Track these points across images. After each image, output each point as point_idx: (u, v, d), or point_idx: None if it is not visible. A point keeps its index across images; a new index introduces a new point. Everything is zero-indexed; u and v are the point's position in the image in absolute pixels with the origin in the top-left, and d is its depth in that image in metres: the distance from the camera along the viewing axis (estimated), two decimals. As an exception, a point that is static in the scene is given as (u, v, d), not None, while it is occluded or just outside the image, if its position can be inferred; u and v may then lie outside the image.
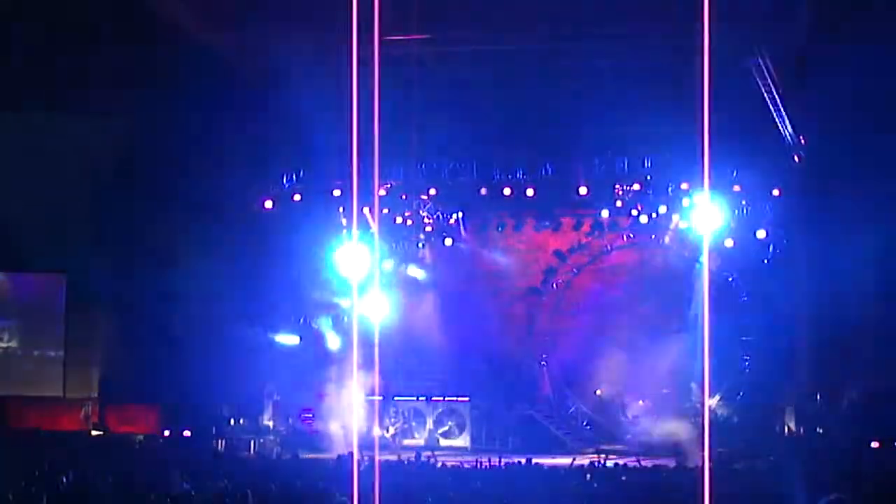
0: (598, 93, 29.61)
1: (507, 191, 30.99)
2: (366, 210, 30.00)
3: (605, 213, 33.21)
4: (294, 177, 32.08)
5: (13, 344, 31.28)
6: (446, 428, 33.84)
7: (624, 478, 17.47)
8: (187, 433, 29.27)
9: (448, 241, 35.63)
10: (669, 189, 30.69)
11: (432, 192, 31.38)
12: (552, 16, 25.05)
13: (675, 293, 33.90)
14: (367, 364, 35.11)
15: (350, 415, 33.56)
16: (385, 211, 33.68)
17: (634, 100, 28.65)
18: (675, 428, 32.00)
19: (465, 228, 35.45)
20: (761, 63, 21.67)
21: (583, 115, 29.24)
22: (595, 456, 26.93)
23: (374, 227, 32.72)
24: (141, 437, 28.97)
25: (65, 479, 15.08)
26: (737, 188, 30.28)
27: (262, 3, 25.43)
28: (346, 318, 35.03)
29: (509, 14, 24.79)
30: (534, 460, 23.64)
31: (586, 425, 33.86)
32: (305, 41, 26.37)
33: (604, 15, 25.17)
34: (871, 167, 27.49)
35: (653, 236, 34.09)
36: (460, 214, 34.83)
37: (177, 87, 27.27)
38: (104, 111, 29.85)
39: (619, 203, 32.18)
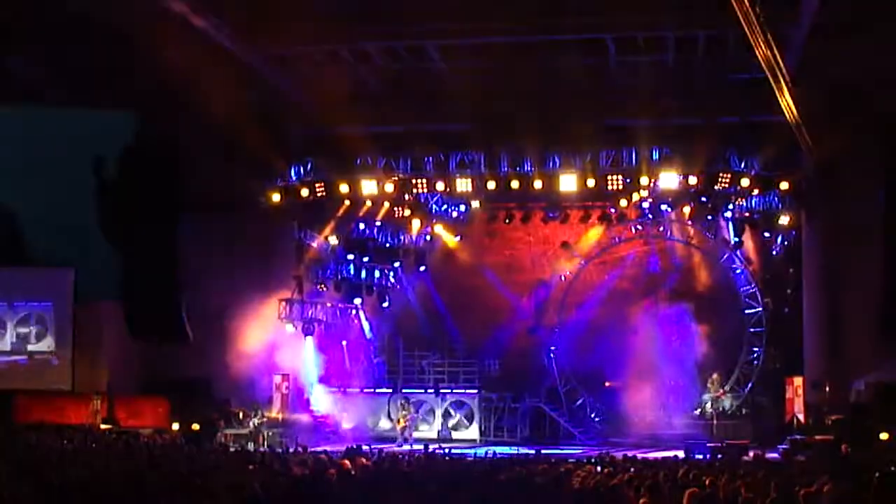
0: (606, 84, 29.61)
1: (514, 183, 30.87)
2: None
3: (612, 205, 33.26)
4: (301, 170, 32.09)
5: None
6: (455, 420, 33.87)
7: (633, 469, 17.41)
8: (196, 426, 29.30)
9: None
10: (678, 181, 30.61)
11: (440, 185, 31.26)
12: (557, 9, 25.02)
13: (685, 285, 33.96)
14: (375, 356, 35.52)
15: (360, 407, 33.74)
16: (387, 205, 33.72)
17: (642, 92, 28.68)
18: (684, 419, 32.08)
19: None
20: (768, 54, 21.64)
21: (591, 107, 29.22)
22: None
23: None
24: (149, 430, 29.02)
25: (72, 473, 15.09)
26: (745, 181, 30.23)
27: None
28: (353, 311, 35.18)
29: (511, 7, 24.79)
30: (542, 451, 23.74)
31: (595, 417, 33.87)
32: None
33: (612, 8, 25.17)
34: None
35: (661, 228, 34.09)
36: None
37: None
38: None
39: (627, 195, 32.13)
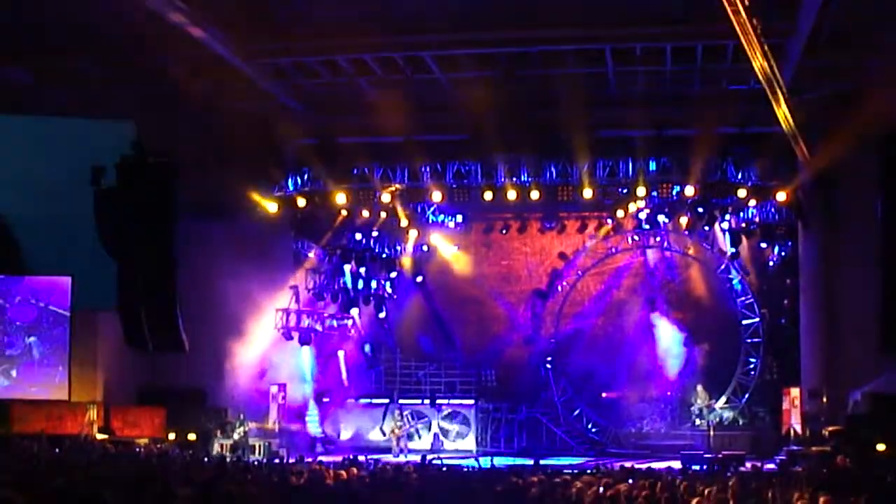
0: (602, 95, 29.62)
1: (511, 193, 30.82)
2: None
3: (609, 216, 33.32)
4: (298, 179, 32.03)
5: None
6: (452, 431, 33.82)
7: (630, 480, 17.38)
8: (192, 436, 29.24)
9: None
10: (674, 192, 30.64)
11: (437, 195, 31.16)
12: (554, 18, 25.02)
13: (681, 295, 33.97)
14: (372, 366, 35.46)
15: (356, 418, 33.69)
16: (384, 215, 33.64)
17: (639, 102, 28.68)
18: (681, 430, 32.05)
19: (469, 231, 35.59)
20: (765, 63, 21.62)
21: (587, 117, 29.23)
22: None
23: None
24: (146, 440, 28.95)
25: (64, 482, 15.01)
26: (742, 191, 30.21)
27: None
28: (350, 321, 35.13)
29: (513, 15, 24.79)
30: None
31: (592, 428, 33.84)
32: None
33: (608, 18, 25.19)
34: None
35: (657, 238, 34.10)
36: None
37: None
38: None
39: (624, 205, 32.17)
